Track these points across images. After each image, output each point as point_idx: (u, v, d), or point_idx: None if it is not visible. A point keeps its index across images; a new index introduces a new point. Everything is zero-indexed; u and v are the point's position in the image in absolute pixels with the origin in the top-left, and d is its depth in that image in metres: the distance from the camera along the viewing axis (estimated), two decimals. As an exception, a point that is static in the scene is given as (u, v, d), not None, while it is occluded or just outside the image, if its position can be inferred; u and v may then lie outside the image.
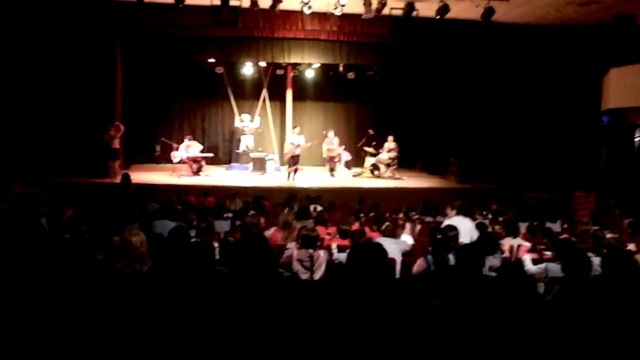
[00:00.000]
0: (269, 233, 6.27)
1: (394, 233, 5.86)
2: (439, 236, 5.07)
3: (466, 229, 6.37)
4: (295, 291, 4.16)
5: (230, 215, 7.75)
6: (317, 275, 4.91)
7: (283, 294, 3.63)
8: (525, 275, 4.57)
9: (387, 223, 5.98)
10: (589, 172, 12.99)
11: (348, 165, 15.65)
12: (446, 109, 15.04)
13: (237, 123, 15.49)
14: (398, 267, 5.19)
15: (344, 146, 15.21)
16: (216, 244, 5.61)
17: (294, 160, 13.58)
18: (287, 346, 3.01)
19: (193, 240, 5.18)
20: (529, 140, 13.68)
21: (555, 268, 4.70)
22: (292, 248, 5.06)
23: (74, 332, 3.22)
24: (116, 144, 12.73)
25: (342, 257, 5.12)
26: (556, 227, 7.88)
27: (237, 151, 15.40)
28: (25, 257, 4.43)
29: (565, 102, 13.49)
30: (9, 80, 12.03)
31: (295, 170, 13.61)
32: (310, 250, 4.94)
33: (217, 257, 5.27)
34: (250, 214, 7.76)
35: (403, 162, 15.55)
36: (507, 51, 13.30)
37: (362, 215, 7.51)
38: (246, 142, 15.14)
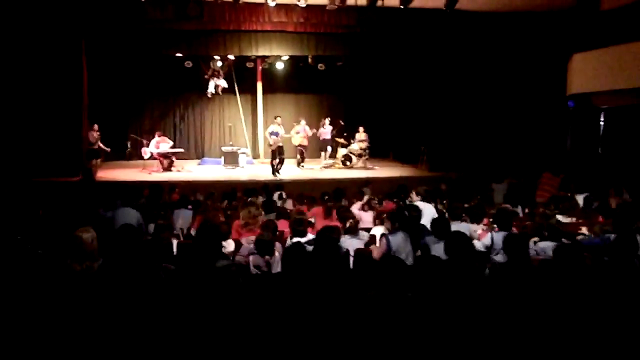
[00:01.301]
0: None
1: (356, 229, 5.92)
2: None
3: (429, 214, 6.48)
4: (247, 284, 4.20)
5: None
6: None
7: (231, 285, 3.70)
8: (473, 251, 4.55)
9: (350, 220, 6.02)
10: (556, 157, 13.19)
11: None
12: (415, 99, 15.11)
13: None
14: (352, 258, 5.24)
15: (329, 119, 15.19)
16: (175, 241, 5.61)
17: (279, 152, 13.17)
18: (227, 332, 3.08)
19: (149, 237, 5.20)
20: (497, 127, 13.79)
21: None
22: (247, 248, 4.99)
23: (22, 327, 3.25)
24: (96, 144, 13.04)
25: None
26: (518, 212, 8.03)
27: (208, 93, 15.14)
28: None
29: (532, 89, 13.62)
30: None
31: (282, 162, 13.29)
32: (267, 257, 4.74)
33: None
34: (214, 205, 7.74)
35: (376, 153, 15.64)
36: (472, 39, 13.33)
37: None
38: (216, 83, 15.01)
